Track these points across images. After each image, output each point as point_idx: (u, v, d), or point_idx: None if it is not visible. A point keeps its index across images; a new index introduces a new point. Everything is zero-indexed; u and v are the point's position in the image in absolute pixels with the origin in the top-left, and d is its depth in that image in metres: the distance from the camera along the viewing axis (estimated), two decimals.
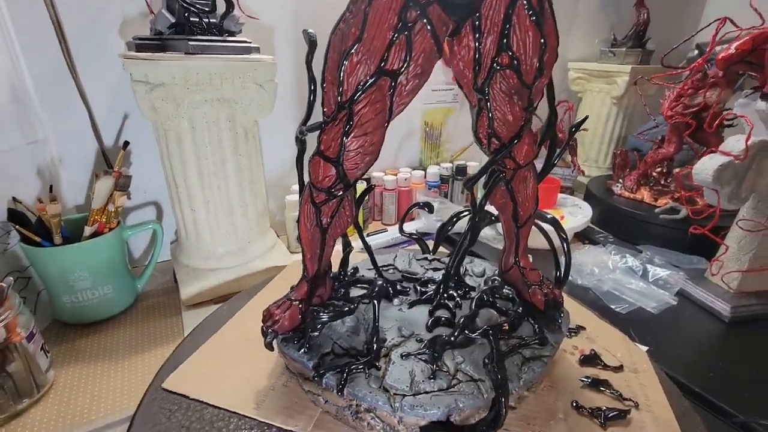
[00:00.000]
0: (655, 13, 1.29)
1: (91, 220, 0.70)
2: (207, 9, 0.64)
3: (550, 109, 0.43)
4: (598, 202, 1.18)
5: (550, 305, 0.46)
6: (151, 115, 0.66)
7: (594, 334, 0.54)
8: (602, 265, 0.94)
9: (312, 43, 0.42)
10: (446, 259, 0.61)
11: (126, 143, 0.73)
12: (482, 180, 0.45)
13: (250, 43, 0.75)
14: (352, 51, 0.34)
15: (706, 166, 0.75)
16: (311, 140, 0.41)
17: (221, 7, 0.67)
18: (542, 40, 0.33)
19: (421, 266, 0.61)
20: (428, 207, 0.65)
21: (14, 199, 0.68)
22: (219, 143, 0.73)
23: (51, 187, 0.69)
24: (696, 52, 1.63)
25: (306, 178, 0.43)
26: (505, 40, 0.33)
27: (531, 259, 0.50)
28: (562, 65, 1.43)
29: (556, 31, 0.34)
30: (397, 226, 1.15)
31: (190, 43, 0.62)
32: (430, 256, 0.63)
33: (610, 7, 1.41)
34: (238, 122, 0.74)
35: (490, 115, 0.37)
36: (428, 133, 1.28)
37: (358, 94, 0.36)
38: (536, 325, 0.45)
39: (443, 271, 0.54)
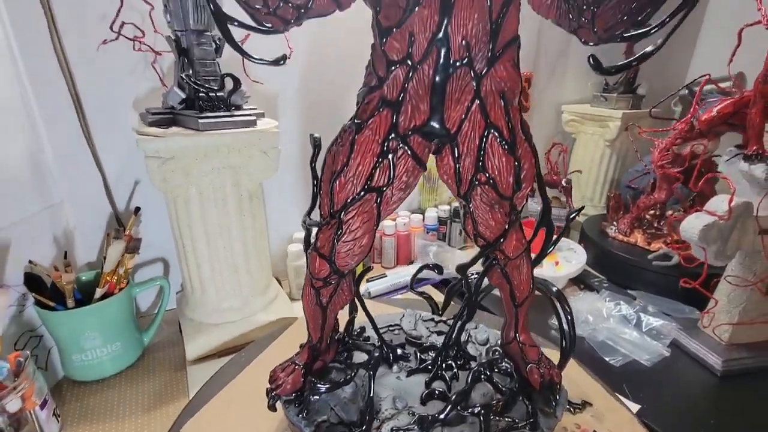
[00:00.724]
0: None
1: (103, 282, 0.73)
2: (215, 88, 0.68)
3: (543, 202, 0.46)
4: (592, 244, 1.21)
5: (546, 386, 0.46)
6: (161, 186, 0.70)
7: (601, 412, 0.53)
8: (597, 313, 0.96)
9: (316, 147, 0.46)
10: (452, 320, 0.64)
11: (137, 209, 0.77)
12: None
13: (255, 109, 0.79)
14: (341, 174, 0.38)
15: (692, 225, 0.78)
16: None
17: (229, 81, 0.72)
18: (516, 164, 0.37)
19: (427, 328, 0.63)
20: (437, 269, 0.67)
21: (30, 261, 0.72)
22: (224, 206, 0.77)
23: (66, 253, 0.73)
24: (686, 91, 1.69)
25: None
26: (480, 163, 0.36)
27: (531, 336, 0.52)
28: (555, 107, 1.47)
29: (532, 152, 0.38)
30: (396, 270, 1.18)
31: (200, 120, 0.66)
32: (437, 318, 0.66)
33: (600, 51, 1.46)
34: (243, 186, 0.78)
35: (474, 219, 0.40)
36: (426, 177, 1.32)
37: (347, 207, 0.39)
38: (530, 407, 0.47)
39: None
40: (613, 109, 1.33)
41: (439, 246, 1.22)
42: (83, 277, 0.78)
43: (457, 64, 0.33)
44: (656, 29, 0.32)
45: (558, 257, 1.11)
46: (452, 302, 0.66)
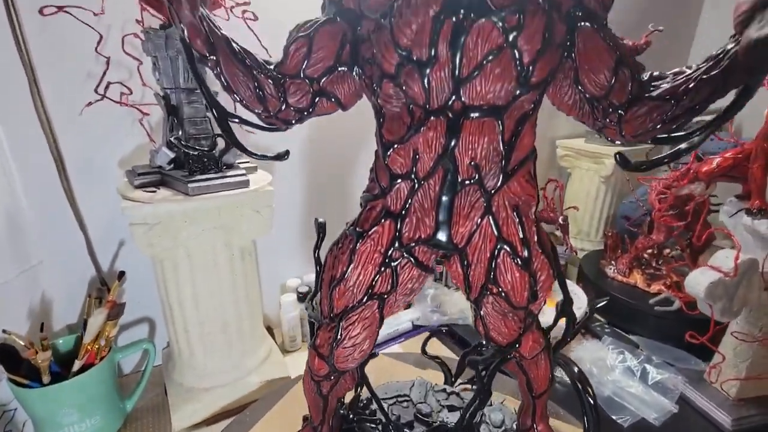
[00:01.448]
0: None
1: (82, 353, 0.68)
2: (206, 149, 0.65)
3: (564, 298, 0.43)
4: (592, 285, 1.19)
5: None
6: (147, 251, 0.66)
7: None
8: (601, 364, 0.93)
9: (321, 233, 0.43)
10: (465, 394, 0.61)
11: (121, 273, 0.72)
12: None
13: (248, 162, 0.76)
14: (341, 282, 0.35)
15: (698, 281, 0.76)
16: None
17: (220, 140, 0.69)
18: (531, 278, 0.34)
19: (438, 401, 0.60)
20: (450, 333, 0.64)
21: (4, 331, 0.66)
22: (214, 267, 0.73)
23: (42, 325, 0.68)
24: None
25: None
26: (492, 275, 0.34)
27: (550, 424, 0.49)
28: (550, 142, 1.47)
29: (550, 259, 0.35)
30: (395, 316, 1.14)
31: (190, 185, 0.63)
32: (449, 389, 0.62)
33: None
34: (235, 245, 0.74)
35: (485, 324, 0.37)
36: None
37: (347, 314, 0.36)
38: None
39: (458, 413, 0.53)
40: (607, 146, 1.33)
41: (436, 288, 1.19)
42: (61, 347, 0.73)
43: (466, 182, 0.30)
44: (700, 134, 0.30)
45: (558, 302, 1.08)
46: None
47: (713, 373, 0.84)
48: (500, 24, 0.25)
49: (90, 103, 0.62)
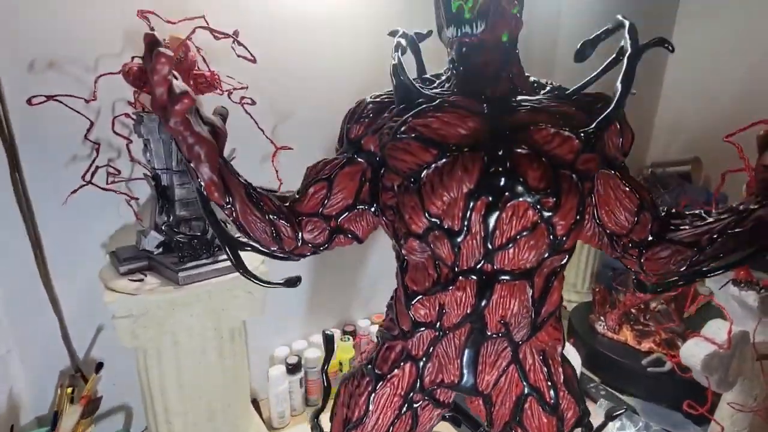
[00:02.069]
0: None
1: None
2: (198, 233, 0.63)
3: (581, 410, 0.42)
4: (582, 342, 1.19)
5: None
6: (131, 342, 0.61)
7: None
8: None
9: (329, 348, 0.41)
10: None
11: (99, 365, 0.67)
12: None
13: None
14: (359, 426, 0.33)
15: (693, 353, 0.77)
16: None
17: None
18: (559, 422, 0.33)
19: None
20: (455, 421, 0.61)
21: None
22: (203, 354, 0.68)
23: (12, 428, 0.61)
24: (651, 170, 1.79)
25: None
26: (518, 418, 0.32)
27: None
28: None
29: (576, 396, 0.34)
30: None
31: (180, 274, 0.60)
32: None
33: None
34: (225, 327, 0.70)
35: None
36: None
37: None
38: None
39: None
40: None
41: None
42: None
43: (494, 336, 0.29)
44: (722, 271, 0.30)
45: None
46: None
47: None
48: (537, 205, 0.25)
49: (75, 191, 0.59)
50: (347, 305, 1.12)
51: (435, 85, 0.34)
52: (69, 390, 0.70)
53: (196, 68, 0.62)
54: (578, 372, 1.04)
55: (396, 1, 0.90)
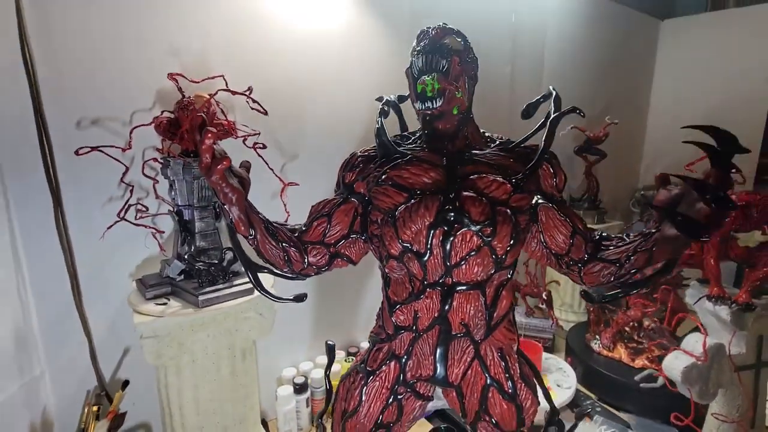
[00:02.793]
0: (603, 179, 1.50)
1: None
2: (216, 262, 0.71)
3: (551, 409, 0.48)
4: (579, 360, 1.23)
5: None
6: (155, 360, 0.68)
7: None
8: None
9: (331, 355, 0.48)
10: None
11: (126, 383, 0.74)
12: None
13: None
14: (353, 416, 0.40)
15: (673, 366, 0.82)
16: None
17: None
18: (517, 409, 0.40)
19: None
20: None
21: None
22: (218, 371, 0.75)
23: None
24: (641, 193, 1.86)
25: None
26: (484, 406, 0.39)
27: None
28: None
29: (534, 389, 0.41)
30: None
31: (200, 298, 0.68)
32: None
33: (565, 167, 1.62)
34: (238, 347, 0.77)
35: None
36: None
37: None
38: None
39: None
40: None
41: None
42: None
43: (458, 335, 0.37)
44: (642, 287, 0.37)
45: (549, 381, 1.12)
46: None
47: None
48: (478, 233, 0.33)
49: (110, 226, 0.68)
50: (350, 329, 1.18)
51: (411, 140, 0.44)
52: (95, 408, 0.76)
53: (216, 118, 0.72)
54: (573, 389, 1.08)
55: (386, 67, 1.06)
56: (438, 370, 0.38)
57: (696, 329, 0.90)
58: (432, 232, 0.34)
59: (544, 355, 1.22)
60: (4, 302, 0.70)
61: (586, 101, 1.51)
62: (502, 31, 1.32)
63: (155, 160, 0.75)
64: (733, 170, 0.32)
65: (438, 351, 0.37)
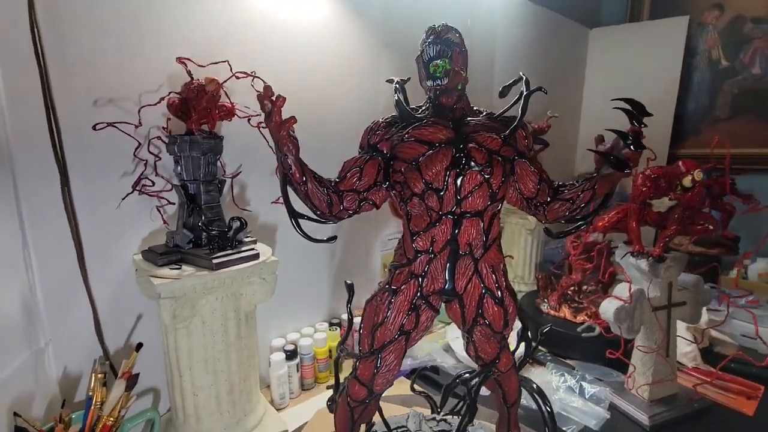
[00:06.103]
0: (546, 164, 1.71)
1: (99, 427, 0.72)
2: (225, 230, 0.78)
3: (523, 326, 0.62)
4: (531, 321, 1.42)
5: None
6: (170, 322, 0.74)
7: None
8: (548, 386, 1.12)
9: (351, 293, 0.59)
10: (451, 418, 0.75)
11: (139, 345, 0.78)
12: None
13: (250, 236, 0.89)
14: (382, 325, 0.51)
15: (607, 309, 1.01)
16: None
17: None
18: (504, 312, 0.53)
19: (431, 428, 0.73)
20: (434, 370, 0.79)
21: (16, 414, 0.69)
22: (225, 332, 0.82)
23: (63, 402, 0.71)
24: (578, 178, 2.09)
25: (341, 376, 0.57)
26: (480, 311, 0.52)
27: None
28: None
29: (514, 299, 0.55)
30: None
31: (215, 261, 0.74)
32: (438, 416, 0.76)
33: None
34: (242, 310, 0.85)
35: (475, 347, 0.55)
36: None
37: (385, 347, 0.52)
38: None
39: None
40: None
41: None
42: (73, 421, 0.75)
43: (463, 254, 0.49)
44: (583, 224, 0.52)
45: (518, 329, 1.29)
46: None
47: (630, 381, 1.07)
48: (481, 173, 0.46)
49: (125, 197, 0.73)
50: (332, 302, 1.28)
51: (419, 111, 0.55)
52: (101, 375, 0.80)
53: (220, 101, 0.79)
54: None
55: (377, 57, 1.17)
56: (448, 283, 0.50)
57: (623, 281, 1.10)
58: (448, 172, 0.47)
59: None
60: (10, 273, 0.72)
61: (532, 97, 1.72)
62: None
63: (159, 138, 0.80)
64: (643, 125, 0.47)
65: (448, 268, 0.50)
